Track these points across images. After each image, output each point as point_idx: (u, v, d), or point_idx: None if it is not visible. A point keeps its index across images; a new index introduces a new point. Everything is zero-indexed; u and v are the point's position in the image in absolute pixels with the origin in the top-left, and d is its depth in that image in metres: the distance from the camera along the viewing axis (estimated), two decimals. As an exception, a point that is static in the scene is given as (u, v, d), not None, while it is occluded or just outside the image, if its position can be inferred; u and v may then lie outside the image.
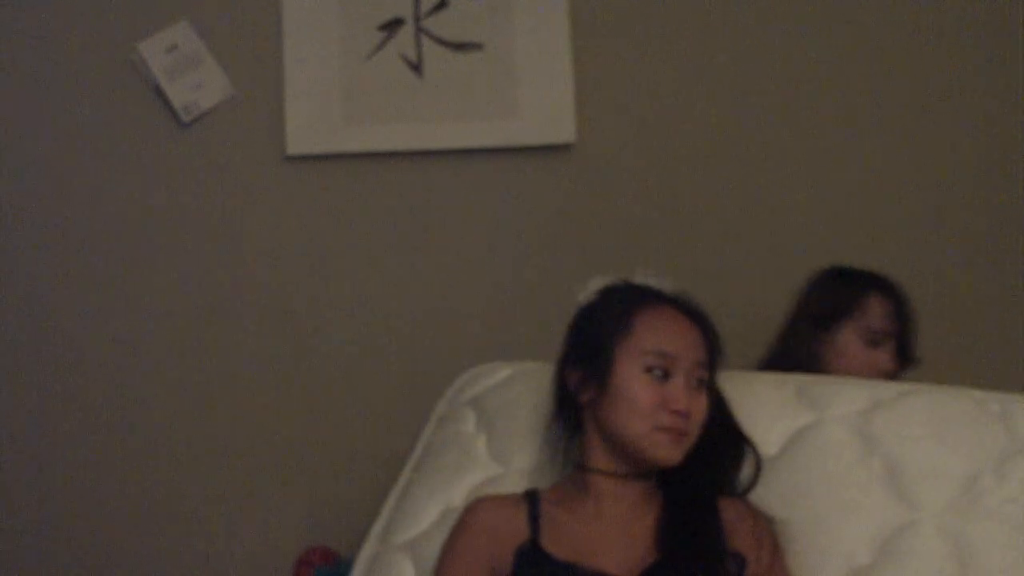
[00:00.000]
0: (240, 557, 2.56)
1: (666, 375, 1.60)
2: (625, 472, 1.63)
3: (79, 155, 2.60)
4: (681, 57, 2.65)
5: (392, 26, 2.61)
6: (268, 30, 2.60)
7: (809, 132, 2.66)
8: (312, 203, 2.62)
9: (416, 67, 2.61)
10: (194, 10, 2.60)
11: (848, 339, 2.17)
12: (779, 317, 2.28)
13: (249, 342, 2.59)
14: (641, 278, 1.73)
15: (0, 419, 2.56)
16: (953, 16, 2.67)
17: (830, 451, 1.70)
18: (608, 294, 1.72)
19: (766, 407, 1.78)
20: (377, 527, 1.87)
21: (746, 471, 1.69)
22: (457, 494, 1.82)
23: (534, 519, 1.63)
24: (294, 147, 2.59)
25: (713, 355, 1.66)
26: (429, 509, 1.82)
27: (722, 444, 1.68)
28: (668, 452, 1.60)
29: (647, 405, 1.59)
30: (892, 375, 2.14)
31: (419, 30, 2.62)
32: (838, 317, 2.18)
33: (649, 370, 1.60)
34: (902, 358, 2.18)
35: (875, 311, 2.17)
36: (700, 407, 1.63)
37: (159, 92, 2.59)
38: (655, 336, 1.62)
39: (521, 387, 1.90)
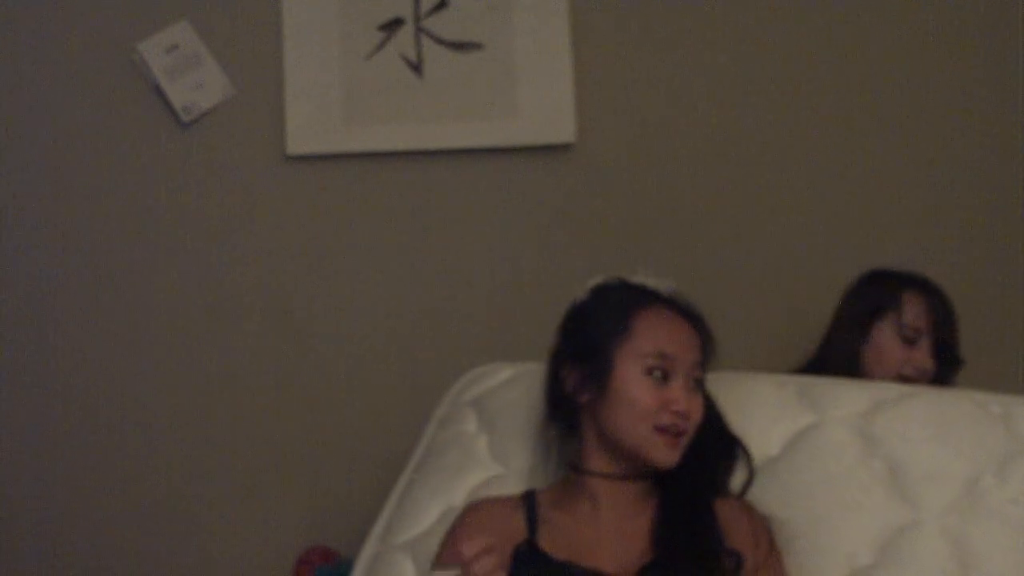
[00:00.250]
0: (240, 557, 2.56)
1: (666, 377, 1.61)
2: (622, 474, 1.64)
3: (79, 155, 2.60)
4: (681, 57, 2.65)
5: (392, 26, 2.61)
6: (268, 30, 2.60)
7: (809, 132, 2.66)
8: (312, 203, 2.62)
9: (416, 67, 2.61)
10: (194, 10, 2.60)
11: (885, 337, 2.15)
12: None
13: (249, 342, 2.59)
14: (639, 278, 1.72)
15: (0, 419, 2.56)
16: (953, 16, 2.66)
17: (831, 452, 1.71)
18: (602, 293, 1.72)
19: (767, 408, 1.78)
20: (378, 527, 1.87)
21: (744, 471, 1.70)
22: (458, 494, 1.82)
23: (531, 520, 1.64)
24: (294, 147, 2.59)
25: (707, 355, 1.67)
26: (430, 509, 1.83)
27: (715, 444, 1.69)
28: (666, 455, 1.60)
29: (648, 407, 1.59)
30: (932, 376, 2.12)
31: (419, 30, 2.62)
32: (875, 315, 2.17)
33: (649, 372, 1.60)
34: (943, 359, 2.14)
35: (910, 307, 2.15)
36: (698, 407, 1.63)
37: (159, 92, 2.59)
38: (654, 338, 1.62)
39: (522, 388, 1.90)
